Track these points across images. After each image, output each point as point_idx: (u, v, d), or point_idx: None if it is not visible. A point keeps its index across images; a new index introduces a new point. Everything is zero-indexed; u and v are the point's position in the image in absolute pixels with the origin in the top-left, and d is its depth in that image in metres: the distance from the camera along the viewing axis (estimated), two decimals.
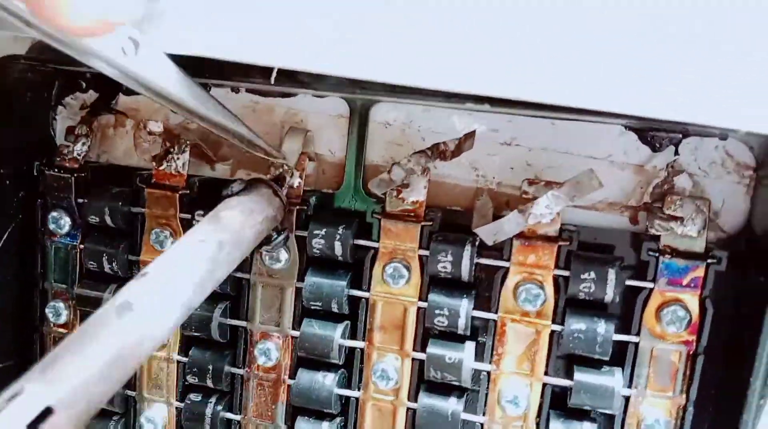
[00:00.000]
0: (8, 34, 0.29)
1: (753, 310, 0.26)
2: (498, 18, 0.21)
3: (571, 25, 0.20)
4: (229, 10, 0.22)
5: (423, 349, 0.29)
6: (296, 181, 0.30)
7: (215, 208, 0.26)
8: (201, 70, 0.29)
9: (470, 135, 0.28)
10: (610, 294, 0.27)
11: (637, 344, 0.28)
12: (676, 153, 0.28)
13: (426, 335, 0.30)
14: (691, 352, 0.28)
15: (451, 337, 0.29)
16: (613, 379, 0.28)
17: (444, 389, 0.30)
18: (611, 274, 0.27)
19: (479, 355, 0.29)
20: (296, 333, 0.31)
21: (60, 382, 0.18)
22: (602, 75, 0.21)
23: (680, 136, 0.28)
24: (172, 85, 0.24)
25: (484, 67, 0.21)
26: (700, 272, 0.27)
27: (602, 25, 0.20)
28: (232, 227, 0.25)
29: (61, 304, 0.34)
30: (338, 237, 0.29)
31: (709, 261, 0.27)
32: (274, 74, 0.26)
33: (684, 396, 0.28)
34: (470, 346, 0.29)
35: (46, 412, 0.17)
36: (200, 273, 0.23)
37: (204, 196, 0.32)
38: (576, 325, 0.27)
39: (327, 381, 0.30)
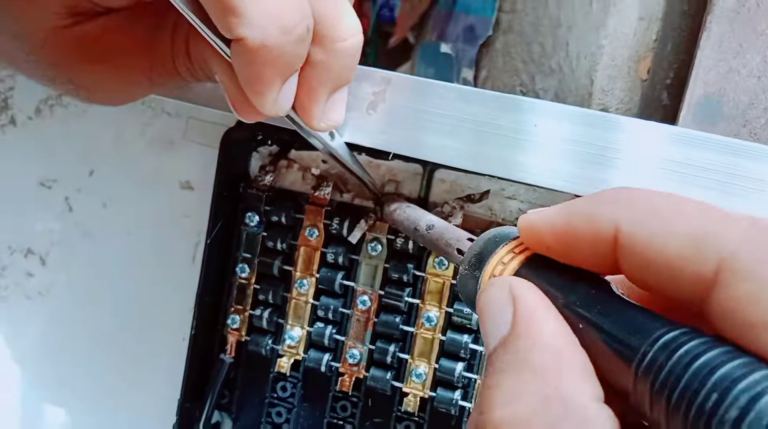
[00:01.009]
0: None
1: None
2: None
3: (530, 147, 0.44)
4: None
5: (452, 306, 0.53)
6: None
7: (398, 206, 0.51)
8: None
9: (486, 192, 0.52)
10: None
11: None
12: None
13: (454, 299, 0.54)
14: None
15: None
16: None
17: (464, 330, 0.53)
18: None
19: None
20: (381, 292, 0.55)
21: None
22: (564, 171, 0.45)
23: None
24: (341, 150, 0.49)
25: (498, 163, 0.46)
26: None
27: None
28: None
29: (246, 266, 0.59)
30: (411, 239, 0.54)
31: None
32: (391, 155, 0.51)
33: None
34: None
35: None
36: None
37: (337, 212, 0.56)
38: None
39: (397, 320, 0.54)
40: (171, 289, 0.64)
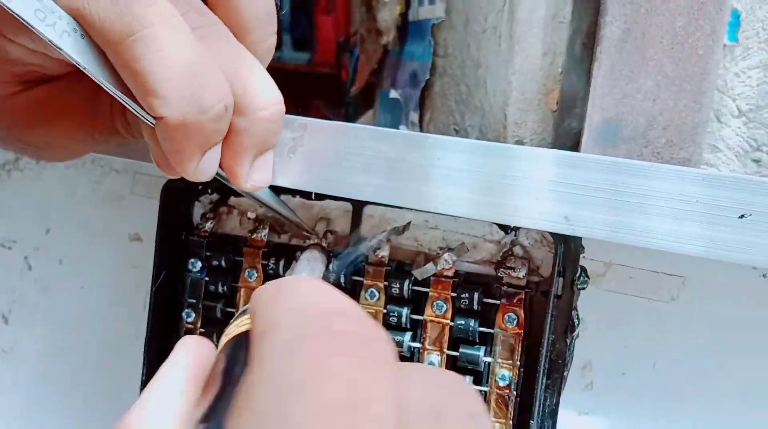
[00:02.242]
0: None
1: (544, 314, 0.51)
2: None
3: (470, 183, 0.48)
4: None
5: None
6: (324, 245, 0.58)
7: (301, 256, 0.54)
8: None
9: (408, 224, 0.55)
10: (476, 305, 0.53)
11: (493, 333, 0.53)
12: (515, 235, 0.54)
13: (386, 327, 0.56)
14: (521, 338, 0.53)
15: (400, 328, 0.55)
16: (479, 352, 0.53)
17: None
18: (476, 296, 0.53)
19: (414, 339, 0.55)
20: None
21: None
22: (473, 203, 0.48)
23: (519, 227, 0.54)
24: (266, 196, 0.52)
25: (419, 197, 0.49)
26: (522, 296, 0.53)
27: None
28: (309, 258, 0.53)
29: (192, 311, 0.61)
30: (343, 272, 0.56)
31: (526, 290, 0.53)
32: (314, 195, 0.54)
33: (519, 362, 0.53)
34: (409, 333, 0.55)
35: None
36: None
37: (274, 252, 0.59)
38: (460, 322, 0.53)
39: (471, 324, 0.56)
40: (127, 340, 0.66)
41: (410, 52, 0.86)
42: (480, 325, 0.53)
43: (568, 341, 0.52)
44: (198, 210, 0.63)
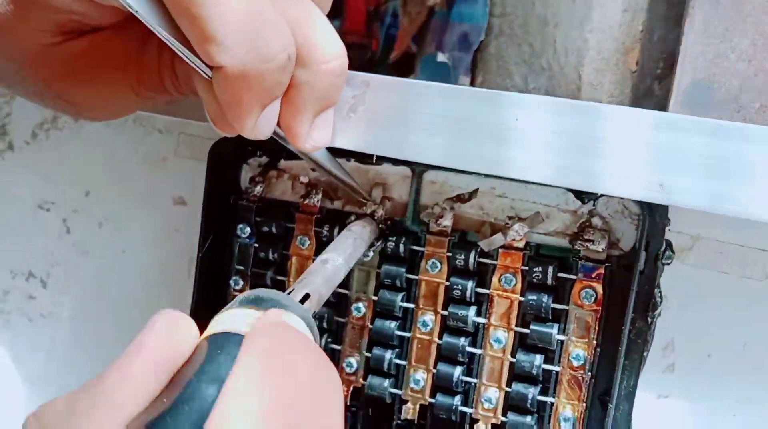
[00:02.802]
0: None
1: (627, 292, 0.47)
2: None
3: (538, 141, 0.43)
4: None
5: (446, 309, 0.52)
6: (380, 212, 0.54)
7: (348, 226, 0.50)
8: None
9: (475, 191, 0.51)
10: (550, 280, 0.49)
11: (567, 310, 0.49)
12: (594, 205, 0.50)
13: (448, 302, 0.52)
14: (598, 316, 0.49)
15: (463, 302, 0.52)
16: (552, 329, 0.49)
17: (458, 333, 0.52)
18: (550, 270, 0.49)
19: (479, 314, 0.52)
20: (375, 298, 0.54)
21: (309, 285, 0.41)
22: (549, 166, 0.43)
23: (597, 195, 0.50)
24: (324, 158, 0.48)
25: (487, 160, 0.45)
26: (602, 270, 0.48)
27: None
28: (357, 232, 0.49)
29: (239, 278, 0.58)
30: (402, 242, 0.52)
31: (606, 264, 0.49)
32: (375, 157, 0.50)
33: (595, 341, 0.49)
34: (473, 308, 0.51)
35: (306, 296, 0.40)
36: (349, 250, 0.47)
37: (327, 219, 0.55)
38: (531, 297, 0.49)
39: (392, 325, 0.53)
40: (169, 305, 0.63)
41: (460, 13, 0.81)
42: (553, 301, 0.49)
43: (650, 320, 0.48)
44: (246, 174, 0.60)
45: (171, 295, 0.62)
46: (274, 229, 0.56)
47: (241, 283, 0.58)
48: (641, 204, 0.46)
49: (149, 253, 0.65)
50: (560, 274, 0.49)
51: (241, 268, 0.58)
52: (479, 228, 0.53)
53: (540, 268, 0.49)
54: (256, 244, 0.57)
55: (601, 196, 0.49)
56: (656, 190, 0.41)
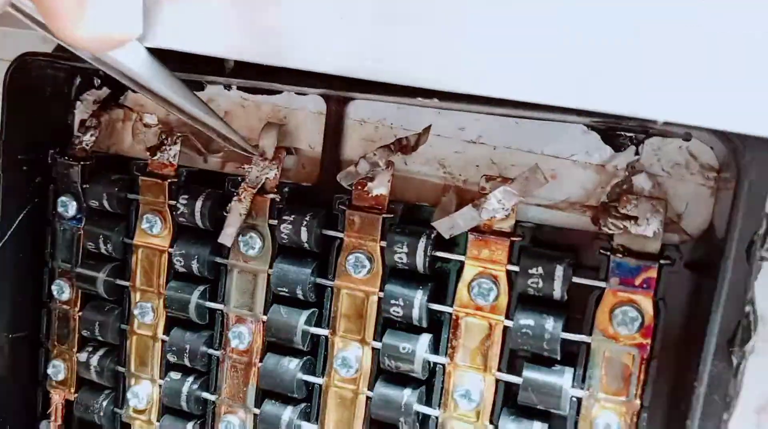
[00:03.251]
0: (38, 33, 0.33)
1: (703, 314, 0.25)
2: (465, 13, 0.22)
3: (534, 19, 0.21)
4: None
5: (380, 338, 0.30)
6: (272, 173, 0.32)
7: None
8: (196, 66, 0.32)
9: (426, 130, 0.29)
10: (558, 291, 0.27)
11: (589, 345, 0.28)
12: (637, 153, 0.28)
13: (385, 325, 0.31)
14: (645, 356, 0.27)
15: (407, 328, 0.30)
16: (562, 378, 0.27)
17: (400, 379, 0.30)
18: (558, 271, 0.27)
19: (435, 349, 0.30)
20: (265, 318, 0.32)
21: None
22: (564, 69, 0.22)
23: (643, 135, 0.28)
24: (154, 79, 0.26)
25: (450, 63, 0.23)
26: (653, 273, 0.27)
27: (565, 19, 0.21)
28: None
29: (65, 283, 0.37)
30: (305, 224, 0.31)
31: (662, 262, 0.27)
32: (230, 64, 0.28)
33: (638, 401, 0.27)
34: (425, 337, 0.30)
35: None
36: None
37: (190, 184, 0.34)
38: (524, 320, 0.28)
39: (291, 366, 0.31)
40: None
41: None
42: (565, 329, 0.27)
43: (736, 360, 0.26)
44: (80, 117, 0.38)
45: None
46: (106, 204, 0.34)
47: (67, 290, 0.36)
48: (731, 145, 0.24)
49: None
50: (576, 279, 0.27)
51: (66, 266, 0.36)
52: (436, 199, 0.31)
53: (541, 269, 0.27)
54: (85, 228, 0.36)
55: (651, 134, 0.27)
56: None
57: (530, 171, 0.27)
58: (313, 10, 0.24)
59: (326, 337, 0.31)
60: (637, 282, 0.27)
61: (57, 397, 0.38)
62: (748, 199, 0.25)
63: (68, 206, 0.36)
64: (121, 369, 0.36)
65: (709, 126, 0.21)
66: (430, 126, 0.29)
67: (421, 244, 0.29)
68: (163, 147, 0.34)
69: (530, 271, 0.27)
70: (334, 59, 0.24)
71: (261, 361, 0.33)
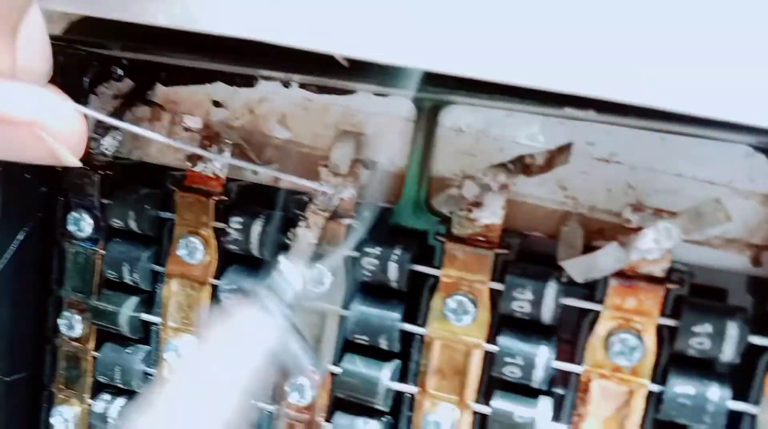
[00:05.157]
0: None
1: None
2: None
3: (689, 16, 0.16)
4: None
5: (487, 402, 0.25)
6: (348, 193, 0.26)
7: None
8: (249, 57, 0.25)
9: (566, 148, 0.23)
10: (727, 353, 0.22)
11: (754, 416, 0.22)
12: None
13: (492, 386, 0.25)
14: None
15: (524, 390, 0.24)
16: None
17: None
18: (732, 329, 0.22)
19: (557, 416, 0.24)
20: (337, 369, 0.26)
21: None
22: (731, 75, 0.16)
23: None
24: None
25: (583, 62, 0.17)
26: None
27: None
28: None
29: (76, 316, 0.30)
30: (394, 259, 0.25)
31: None
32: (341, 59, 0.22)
33: None
34: (546, 402, 0.24)
35: None
36: None
37: (242, 202, 0.28)
38: (681, 388, 0.22)
39: None
40: None
41: None
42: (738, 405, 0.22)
43: None
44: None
45: None
46: (133, 224, 0.28)
47: (79, 325, 0.30)
48: None
49: None
50: (753, 340, 0.22)
51: (78, 296, 0.30)
52: (552, 228, 0.25)
53: (709, 327, 0.22)
54: (103, 252, 0.29)
55: None
56: None
57: (706, 205, 0.21)
58: None
59: (412, 395, 0.26)
60: None
61: None
62: None
63: (81, 224, 0.29)
64: None
65: None
66: (571, 144, 0.23)
67: (550, 289, 0.23)
68: (204, 158, 0.27)
69: (694, 330, 0.22)
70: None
71: (327, 421, 0.27)
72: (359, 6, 0.19)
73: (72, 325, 0.30)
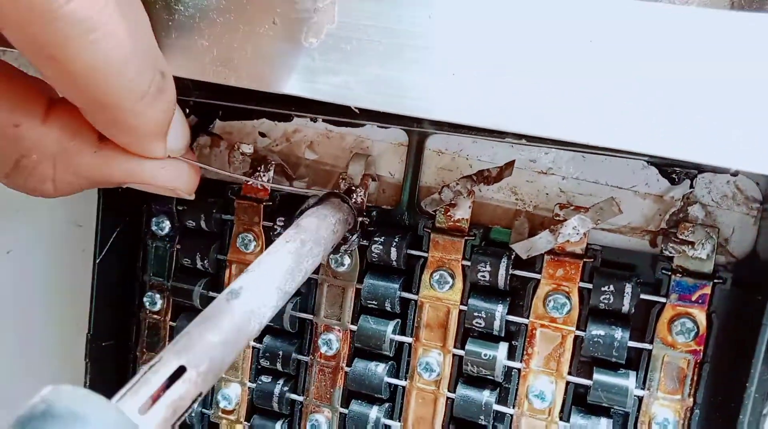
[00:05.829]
0: None
1: (751, 325, 0.30)
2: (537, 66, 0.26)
3: (600, 79, 0.25)
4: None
5: (463, 347, 0.34)
6: (359, 197, 0.36)
7: (296, 220, 0.32)
8: (287, 103, 0.35)
9: (510, 164, 0.33)
10: (626, 305, 0.31)
11: (650, 351, 0.32)
12: (691, 186, 0.32)
13: (466, 335, 0.35)
14: (698, 361, 0.32)
15: (488, 337, 0.34)
16: (627, 381, 0.32)
17: (479, 382, 0.34)
18: (628, 288, 0.31)
19: (511, 355, 0.34)
20: (354, 327, 0.36)
21: (189, 350, 0.23)
22: (625, 119, 0.26)
23: (695, 171, 0.32)
24: None
25: (525, 111, 0.27)
26: (707, 290, 0.31)
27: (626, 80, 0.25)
28: (310, 228, 0.31)
29: (157, 295, 0.40)
30: (394, 245, 0.34)
31: (715, 281, 0.31)
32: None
33: (691, 399, 0.32)
34: (503, 346, 0.34)
35: (181, 370, 0.22)
36: (288, 262, 0.28)
37: (283, 207, 0.38)
38: (596, 330, 0.32)
39: (378, 370, 0.35)
40: (69, 337, 0.45)
41: None
42: (630, 338, 0.32)
43: None
44: None
45: (68, 306, 0.44)
46: (203, 224, 0.38)
47: (159, 301, 0.40)
48: None
49: (40, 253, 0.46)
50: (642, 296, 0.31)
51: (159, 279, 0.40)
52: (512, 222, 0.35)
53: (612, 287, 0.31)
54: (179, 246, 0.39)
55: (703, 170, 0.32)
56: None
57: (605, 202, 0.31)
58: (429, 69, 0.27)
59: (410, 344, 0.35)
60: (694, 298, 0.31)
61: None
62: None
63: (162, 225, 0.39)
64: None
65: (753, 171, 0.25)
66: (513, 161, 0.33)
67: (503, 263, 0.33)
68: (257, 173, 0.37)
69: (603, 289, 0.32)
70: (443, 110, 0.28)
71: (348, 366, 0.36)
72: None
73: (154, 301, 0.40)
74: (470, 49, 0.27)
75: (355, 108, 0.30)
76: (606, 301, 0.32)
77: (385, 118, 0.34)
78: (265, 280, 0.28)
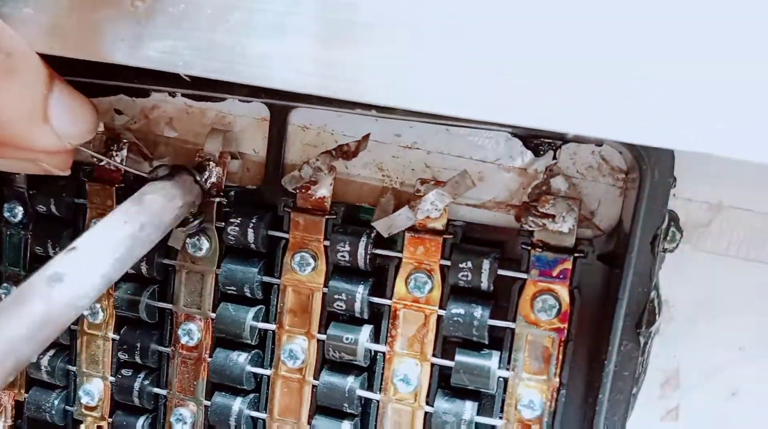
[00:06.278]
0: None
1: (612, 301, 0.29)
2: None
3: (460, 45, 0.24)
4: None
5: (324, 330, 0.32)
6: (216, 176, 0.34)
7: (140, 190, 0.30)
8: (143, 76, 0.33)
9: (365, 137, 0.31)
10: (485, 282, 0.30)
11: (513, 330, 0.31)
12: (555, 157, 0.31)
13: (329, 318, 0.33)
14: (562, 339, 0.30)
15: (351, 320, 0.32)
16: (490, 361, 0.30)
17: (344, 368, 0.33)
18: (485, 264, 0.30)
19: (377, 339, 0.32)
20: (213, 315, 0.34)
21: None
22: (485, 89, 0.24)
23: (560, 142, 0.31)
24: None
25: (387, 82, 0.25)
26: (567, 265, 0.30)
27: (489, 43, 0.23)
28: (154, 210, 0.29)
29: (14, 287, 0.37)
30: (251, 226, 0.32)
31: (576, 255, 0.30)
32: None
33: (557, 379, 0.31)
34: (366, 328, 0.32)
35: None
36: (121, 250, 0.26)
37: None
38: (455, 309, 0.30)
39: (240, 359, 0.33)
40: None
41: None
42: (492, 316, 0.30)
43: (643, 340, 0.30)
44: None
45: None
46: (54, 209, 0.35)
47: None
48: (636, 152, 0.27)
49: None
50: (501, 272, 0.30)
51: (14, 270, 0.37)
52: (375, 200, 0.33)
53: (470, 263, 0.30)
54: (31, 234, 0.36)
55: (567, 141, 0.30)
56: (674, 126, 0.22)
57: (460, 175, 0.30)
58: (262, 31, 0.25)
59: (273, 331, 0.33)
60: (555, 273, 0.30)
61: (6, 398, 0.39)
62: (651, 198, 0.28)
63: (15, 212, 0.37)
64: (71, 368, 0.37)
65: (616, 139, 0.24)
66: (368, 134, 0.31)
67: (362, 243, 0.31)
68: (110, 153, 0.35)
69: (460, 266, 0.30)
70: (283, 76, 0.26)
71: (210, 356, 0.34)
72: None
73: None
74: (306, 10, 0.25)
75: (185, 76, 0.28)
76: (465, 279, 0.30)
77: (246, 91, 0.32)
78: (91, 266, 0.25)
